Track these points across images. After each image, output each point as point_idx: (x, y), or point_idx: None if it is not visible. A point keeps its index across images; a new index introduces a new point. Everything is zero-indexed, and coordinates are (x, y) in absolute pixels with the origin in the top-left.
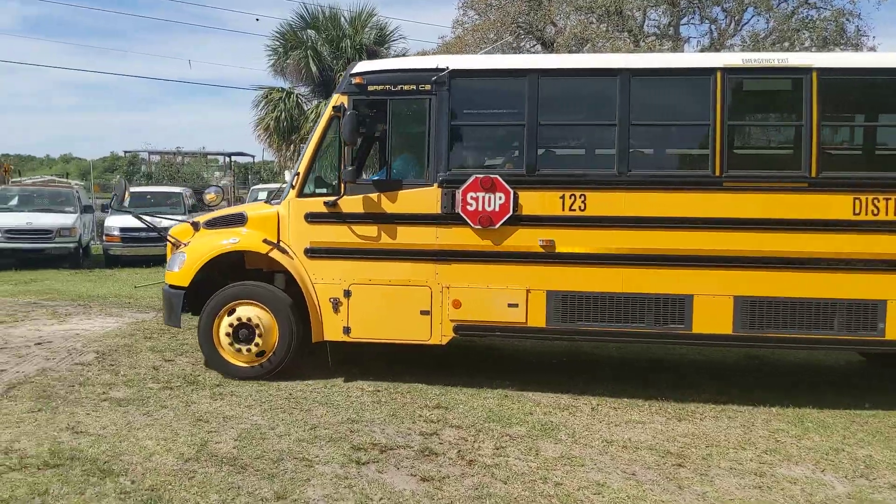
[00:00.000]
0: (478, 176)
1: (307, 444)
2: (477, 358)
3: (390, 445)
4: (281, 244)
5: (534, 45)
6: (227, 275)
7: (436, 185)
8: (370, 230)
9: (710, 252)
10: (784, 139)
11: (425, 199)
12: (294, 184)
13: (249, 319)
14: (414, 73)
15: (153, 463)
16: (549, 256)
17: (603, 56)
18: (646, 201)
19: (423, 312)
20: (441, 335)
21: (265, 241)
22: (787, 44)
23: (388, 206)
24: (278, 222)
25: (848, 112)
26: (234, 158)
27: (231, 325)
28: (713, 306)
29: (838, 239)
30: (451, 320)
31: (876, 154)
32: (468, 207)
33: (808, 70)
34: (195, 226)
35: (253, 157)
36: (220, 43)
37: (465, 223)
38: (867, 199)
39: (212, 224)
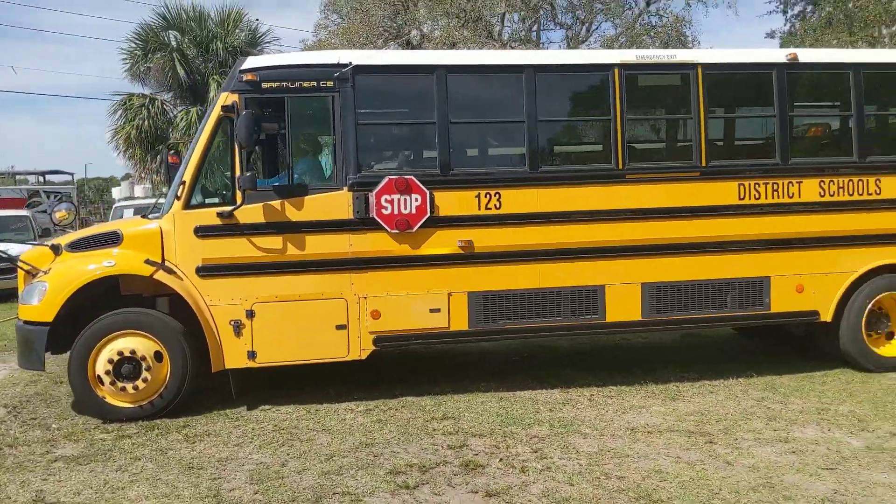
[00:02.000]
0: (391, 177)
1: (336, 476)
2: (449, 362)
3: (427, 464)
4: (167, 264)
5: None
6: (96, 304)
7: (346, 188)
8: (274, 241)
9: (617, 242)
10: (677, 131)
11: (335, 204)
12: (179, 194)
13: (134, 352)
14: (314, 68)
15: None
16: (468, 257)
17: (509, 52)
18: (556, 197)
19: (339, 327)
20: (360, 349)
21: (148, 261)
22: (634, 46)
23: (293, 214)
24: (162, 239)
25: (730, 104)
26: (48, 178)
27: (112, 360)
28: (623, 294)
29: (727, 223)
30: (371, 332)
31: (754, 143)
32: (383, 211)
33: (693, 65)
34: (55, 249)
35: (72, 174)
36: (38, 49)
37: (380, 228)
38: (749, 184)
39: (77, 246)
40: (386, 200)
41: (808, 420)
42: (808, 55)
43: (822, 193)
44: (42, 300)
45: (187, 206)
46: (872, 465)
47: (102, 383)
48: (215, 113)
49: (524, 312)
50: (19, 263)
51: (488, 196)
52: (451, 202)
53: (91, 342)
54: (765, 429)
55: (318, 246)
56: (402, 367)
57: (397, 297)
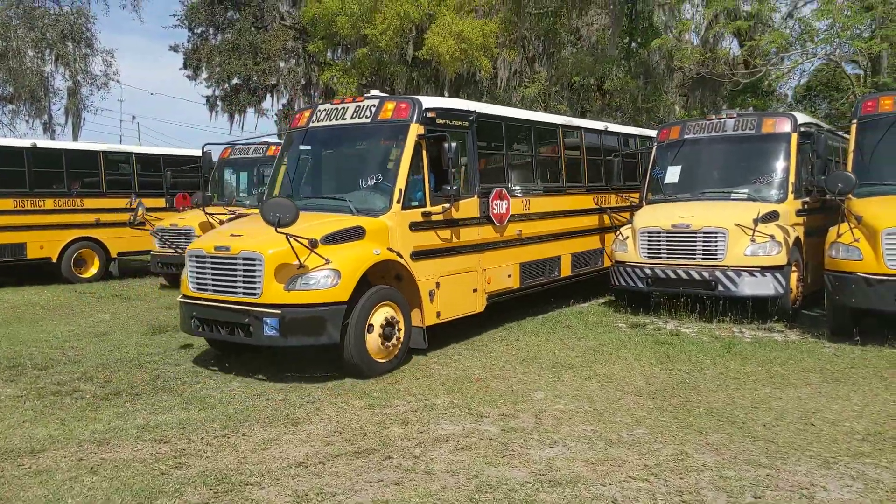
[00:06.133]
0: (497, 189)
1: None
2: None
3: None
4: (392, 250)
5: None
6: None
7: (476, 196)
8: (448, 233)
9: (566, 229)
10: (578, 166)
11: (472, 206)
12: (398, 199)
13: (396, 319)
14: (459, 112)
15: None
16: (519, 240)
17: (538, 113)
18: (548, 203)
19: (474, 291)
20: (482, 305)
21: (389, 249)
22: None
23: (455, 214)
24: (388, 232)
25: (592, 153)
26: None
27: (388, 319)
28: (566, 260)
29: (595, 217)
30: (486, 293)
31: (596, 173)
32: (493, 211)
33: (579, 128)
34: (313, 244)
35: None
36: None
37: (491, 222)
38: (596, 196)
39: (332, 240)
40: (495, 204)
41: (434, 417)
42: (612, 127)
43: (617, 201)
44: (337, 284)
45: (403, 207)
46: (527, 443)
47: (375, 345)
48: (412, 139)
49: (538, 273)
50: (305, 256)
51: (525, 202)
52: (514, 206)
53: (368, 310)
54: (413, 433)
55: (466, 235)
56: None
57: (497, 267)
